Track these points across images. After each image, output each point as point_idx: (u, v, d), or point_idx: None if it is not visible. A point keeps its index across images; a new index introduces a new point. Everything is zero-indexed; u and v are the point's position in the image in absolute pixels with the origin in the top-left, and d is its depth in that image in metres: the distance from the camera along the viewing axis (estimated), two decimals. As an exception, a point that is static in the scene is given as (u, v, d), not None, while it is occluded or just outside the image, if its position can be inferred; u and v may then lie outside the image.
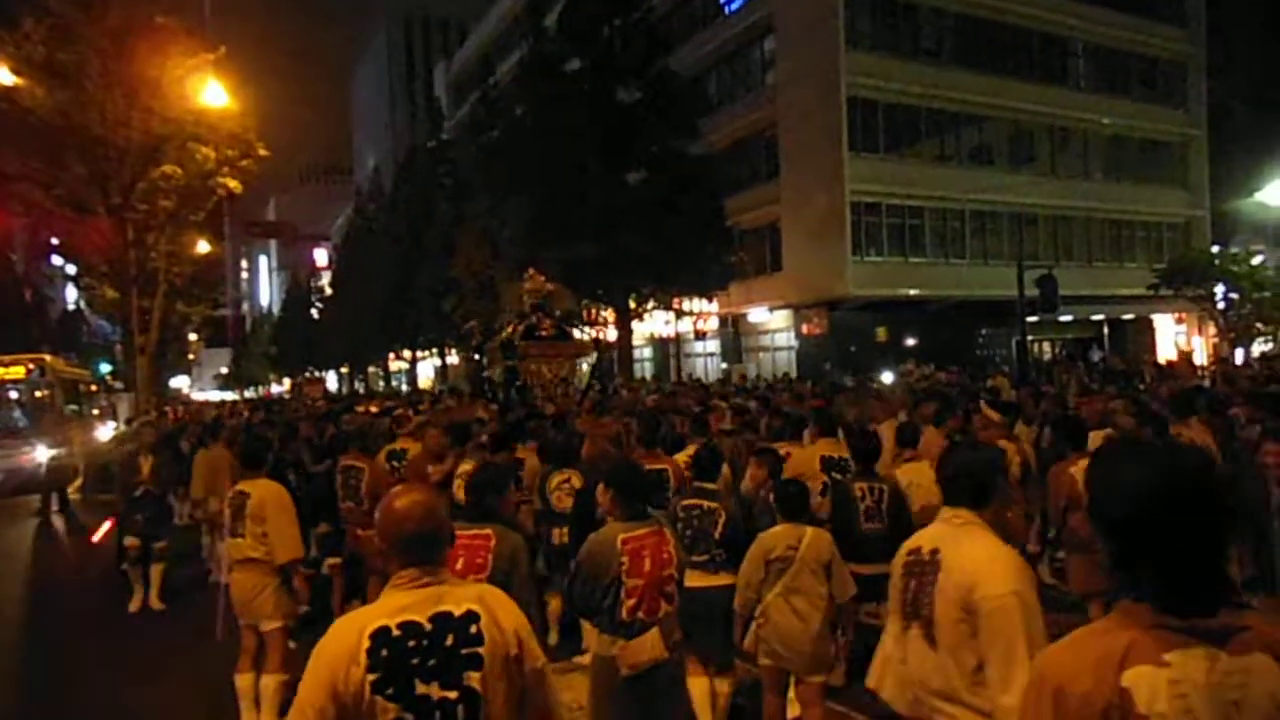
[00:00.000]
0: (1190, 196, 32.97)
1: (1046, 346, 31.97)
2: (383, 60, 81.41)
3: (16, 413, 17.86)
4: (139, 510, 7.77)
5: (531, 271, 12.09)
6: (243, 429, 10.74)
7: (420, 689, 1.85)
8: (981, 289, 26.63)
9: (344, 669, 1.81)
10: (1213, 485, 1.37)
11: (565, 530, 5.55)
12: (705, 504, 4.40)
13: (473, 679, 1.91)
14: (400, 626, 1.88)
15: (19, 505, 14.96)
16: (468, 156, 34.24)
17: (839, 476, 5.23)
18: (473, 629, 1.94)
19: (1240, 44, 32.55)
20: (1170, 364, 18.95)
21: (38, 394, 17.82)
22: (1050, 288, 19.82)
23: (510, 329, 11.39)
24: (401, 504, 2.03)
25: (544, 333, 11.27)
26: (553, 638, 5.67)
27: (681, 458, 5.70)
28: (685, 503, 4.44)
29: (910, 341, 27.49)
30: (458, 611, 1.95)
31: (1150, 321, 32.93)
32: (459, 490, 5.48)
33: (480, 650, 1.93)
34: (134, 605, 7.53)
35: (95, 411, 20.51)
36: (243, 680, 4.85)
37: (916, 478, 5.21)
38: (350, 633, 1.87)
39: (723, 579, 4.29)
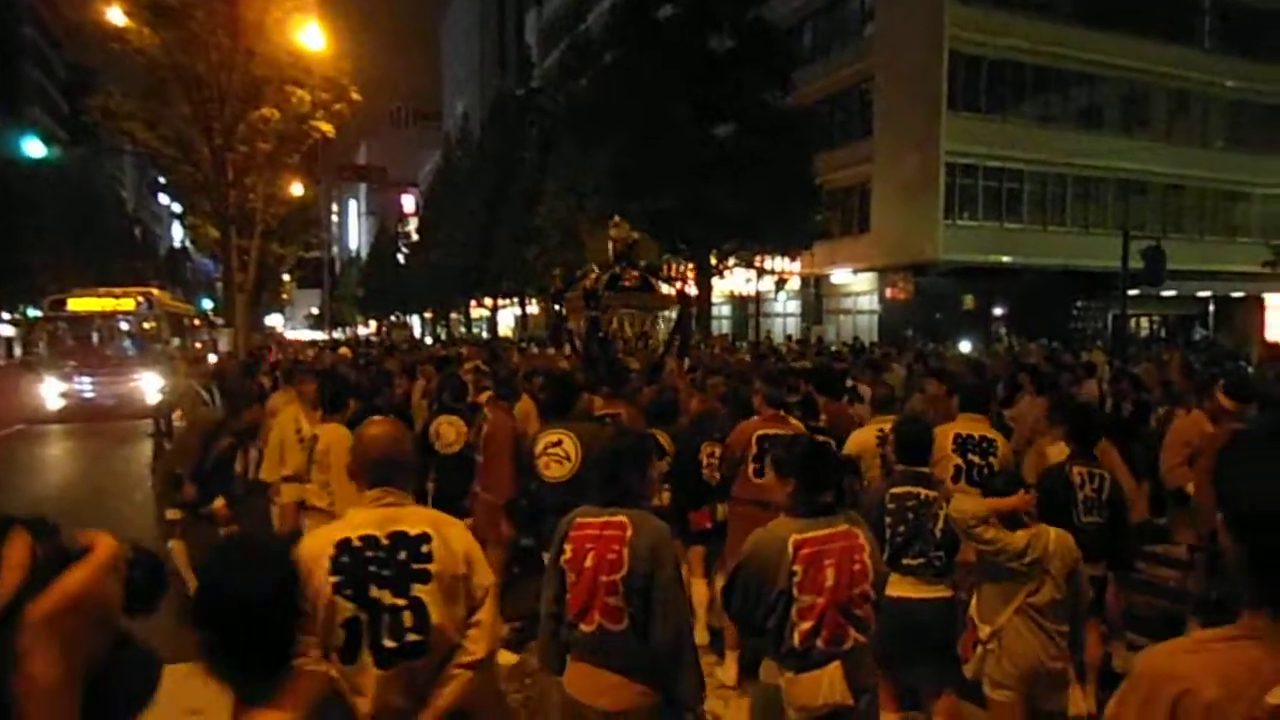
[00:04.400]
0: (1317, 168, 30.70)
1: (1145, 322, 30.52)
2: (474, 6, 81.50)
3: (126, 342, 18.90)
4: (206, 478, 5.62)
5: (617, 218, 11.64)
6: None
7: (374, 593, 2.11)
8: (1080, 259, 25.49)
9: (310, 573, 2.04)
10: None
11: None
12: (923, 492, 3.56)
13: (420, 591, 2.15)
14: (360, 539, 2.15)
15: (131, 429, 15.93)
16: (556, 105, 34.15)
17: (977, 460, 4.59)
18: (424, 548, 2.19)
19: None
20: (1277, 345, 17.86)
21: (145, 325, 18.79)
22: (1156, 260, 18.77)
23: (594, 278, 11.10)
24: (372, 432, 2.37)
25: (628, 283, 10.96)
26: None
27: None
28: (896, 490, 3.60)
29: (999, 311, 26.57)
30: (412, 531, 2.21)
31: (1261, 301, 31.01)
32: (547, 464, 4.69)
33: (429, 567, 2.17)
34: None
35: (198, 345, 21.53)
36: None
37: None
38: (321, 543, 2.15)
39: (940, 590, 3.54)
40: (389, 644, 2.10)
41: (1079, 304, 28.52)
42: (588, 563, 2.60)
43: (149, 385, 16.82)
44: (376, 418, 2.48)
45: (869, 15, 27.75)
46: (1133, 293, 21.57)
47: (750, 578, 2.69)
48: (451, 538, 2.25)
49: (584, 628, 2.61)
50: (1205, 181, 28.84)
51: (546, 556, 2.97)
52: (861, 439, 4.96)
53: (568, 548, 2.67)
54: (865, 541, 2.72)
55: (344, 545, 2.13)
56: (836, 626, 2.62)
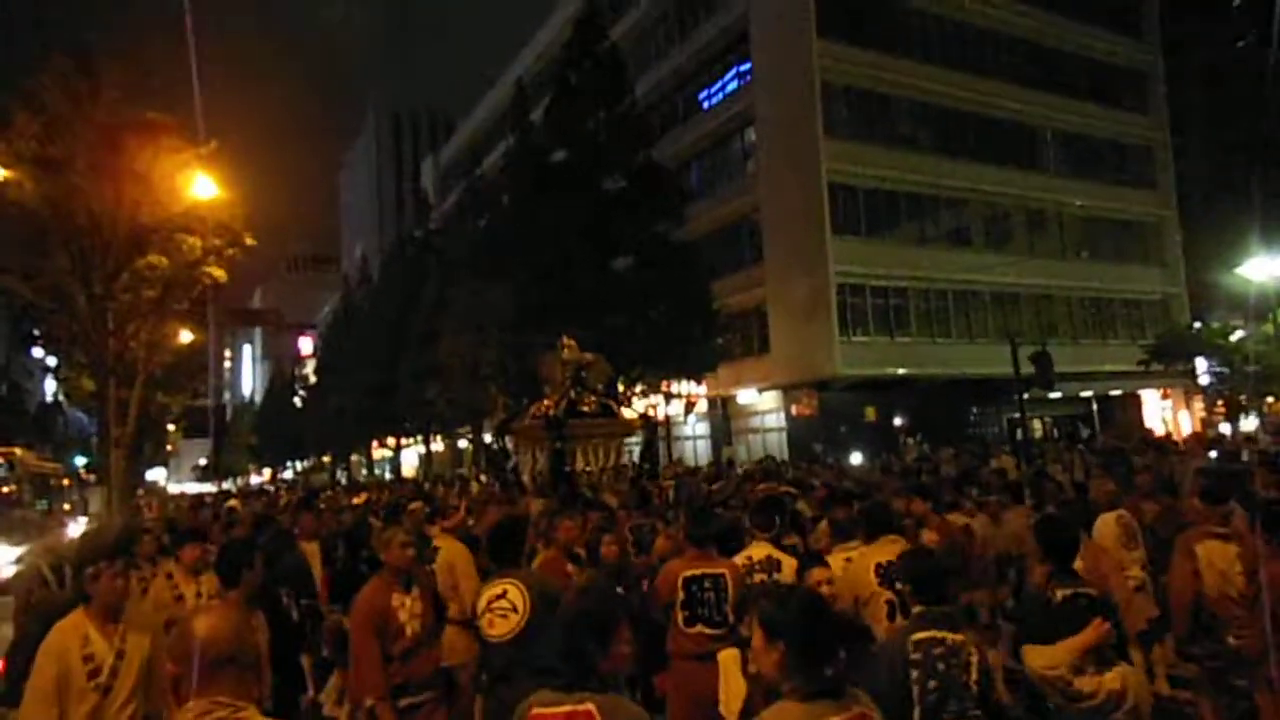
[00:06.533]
0: (1166, 273, 33.63)
1: (1037, 424, 31.92)
2: (371, 153, 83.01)
3: (-18, 509, 17.29)
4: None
5: (566, 340, 10.80)
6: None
7: None
8: (969, 367, 26.71)
9: None
10: None
11: None
12: (949, 637, 2.93)
13: None
14: None
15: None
16: (454, 245, 34.49)
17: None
18: None
19: (1195, 131, 34.13)
20: (1165, 439, 18.85)
21: (4, 489, 17.39)
22: (1045, 364, 19.79)
23: (550, 404, 10.12)
24: (199, 624, 1.83)
25: (586, 408, 10.07)
26: None
27: (741, 559, 4.57)
28: (918, 637, 2.95)
29: (899, 421, 27.33)
30: None
31: (1138, 398, 33.05)
32: (491, 621, 3.86)
33: None
34: None
35: (66, 506, 19.90)
36: None
37: (1216, 558, 4.09)
38: None
39: None
40: None
41: (974, 410, 29.68)
42: None
43: (3, 555, 15.27)
44: (203, 608, 2.05)
45: (750, 153, 29.47)
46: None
47: None
48: None
49: None
50: (1071, 290, 31.07)
51: None
52: (855, 578, 4.16)
53: None
54: None
55: None
56: None
